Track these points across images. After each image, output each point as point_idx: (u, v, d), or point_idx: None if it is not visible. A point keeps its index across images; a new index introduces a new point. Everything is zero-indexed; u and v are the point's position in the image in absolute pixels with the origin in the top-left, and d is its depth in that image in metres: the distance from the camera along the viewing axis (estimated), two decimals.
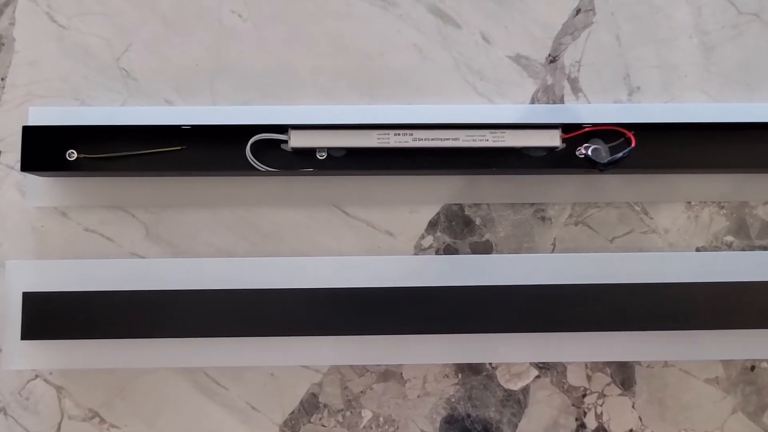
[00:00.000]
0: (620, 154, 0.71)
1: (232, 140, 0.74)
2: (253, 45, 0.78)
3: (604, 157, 0.74)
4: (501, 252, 0.77)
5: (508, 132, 0.74)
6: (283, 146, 0.74)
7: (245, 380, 0.75)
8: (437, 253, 0.77)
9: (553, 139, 0.73)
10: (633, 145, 0.72)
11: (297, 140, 0.73)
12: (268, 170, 0.74)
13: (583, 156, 0.74)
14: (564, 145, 0.74)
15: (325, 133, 0.74)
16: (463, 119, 0.75)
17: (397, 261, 0.76)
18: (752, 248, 0.77)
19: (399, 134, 0.73)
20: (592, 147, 0.73)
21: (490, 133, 0.74)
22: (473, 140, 0.73)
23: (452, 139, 0.73)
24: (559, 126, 0.74)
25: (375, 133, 0.73)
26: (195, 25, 0.78)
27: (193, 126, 0.74)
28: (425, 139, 0.73)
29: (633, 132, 0.73)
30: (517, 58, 0.79)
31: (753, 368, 0.76)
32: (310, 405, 0.75)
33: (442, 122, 0.73)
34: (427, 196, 0.78)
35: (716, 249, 0.77)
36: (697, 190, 0.78)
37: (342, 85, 0.78)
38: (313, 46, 0.78)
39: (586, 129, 0.74)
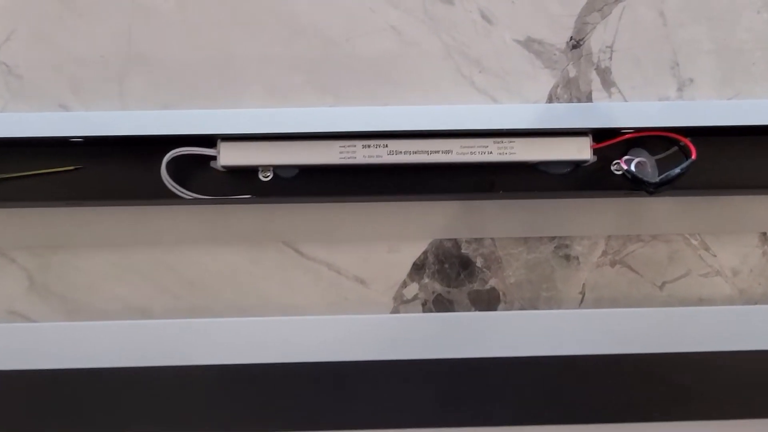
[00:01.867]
0: (677, 170, 0.51)
1: (146, 157, 0.56)
2: (177, 30, 0.59)
3: (650, 174, 0.54)
4: (511, 303, 0.57)
5: (518, 141, 0.54)
6: (212, 164, 0.54)
7: None
8: (424, 306, 0.57)
9: (580, 151, 0.54)
10: (694, 157, 0.52)
11: (229, 156, 0.54)
12: (192, 197, 0.54)
13: (621, 173, 0.54)
14: (595, 158, 0.54)
15: (268, 145, 0.54)
16: (457, 124, 0.55)
17: (370, 322, 0.56)
18: None
19: (369, 146, 0.54)
20: (636, 160, 0.53)
21: (495, 142, 0.54)
22: (471, 153, 0.54)
23: (443, 152, 0.54)
24: (589, 132, 0.54)
25: (337, 144, 0.54)
26: (99, 4, 0.58)
27: (89, 138, 0.54)
28: (405, 153, 0.54)
29: (691, 139, 0.53)
30: (529, 43, 0.59)
31: None
32: None
33: (428, 129, 0.53)
34: (411, 229, 0.58)
35: None
36: None
37: (296, 80, 0.59)
38: (258, 29, 0.59)
39: (627, 136, 0.54)
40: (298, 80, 0.59)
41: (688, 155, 0.52)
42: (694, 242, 0.58)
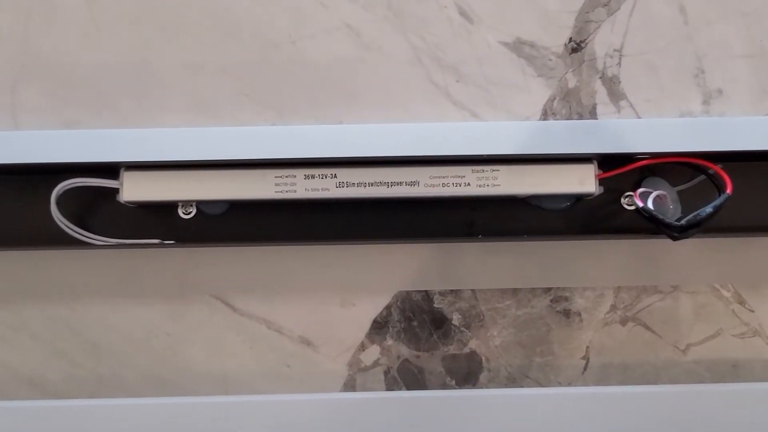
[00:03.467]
0: (710, 208, 0.40)
1: (36, 189, 0.44)
2: (85, 29, 0.48)
3: (674, 210, 0.42)
4: (496, 372, 0.46)
5: (503, 169, 0.43)
6: (119, 199, 0.43)
7: None
8: (387, 374, 0.46)
9: (582, 181, 0.43)
10: (729, 191, 0.40)
11: (135, 189, 0.43)
12: (91, 240, 0.43)
13: (635, 209, 0.42)
14: (601, 190, 0.43)
15: (185, 175, 0.43)
16: (427, 148, 0.43)
17: (318, 403, 0.44)
18: None
19: (314, 176, 0.42)
20: (655, 194, 0.42)
21: (473, 171, 0.43)
22: (444, 185, 0.43)
23: (407, 184, 0.43)
24: (594, 158, 0.42)
25: (272, 174, 0.42)
26: None
27: None
28: (359, 185, 0.43)
29: (720, 165, 0.42)
30: (518, 46, 0.48)
31: None
32: None
33: (389, 155, 0.42)
34: (370, 278, 0.48)
35: None
36: None
37: (229, 91, 0.47)
38: (184, 29, 0.48)
39: (641, 163, 0.43)
40: (230, 92, 0.48)
41: (720, 187, 0.41)
42: (726, 294, 0.47)
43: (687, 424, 0.43)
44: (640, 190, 0.42)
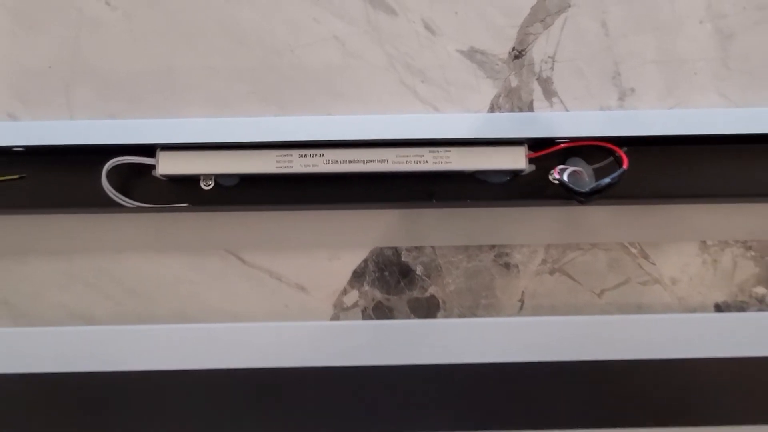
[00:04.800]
0: (607, 180, 0.51)
1: (88, 166, 0.56)
2: (123, 40, 0.59)
3: (586, 183, 0.54)
4: (450, 311, 0.57)
5: (455, 150, 0.54)
6: (154, 173, 0.55)
7: None
8: (364, 313, 0.57)
9: (516, 160, 0.54)
10: (625, 166, 0.52)
11: (168, 165, 0.54)
12: (134, 205, 0.55)
13: (557, 182, 0.54)
14: (533, 168, 0.55)
15: (206, 154, 0.55)
16: (398, 134, 0.55)
17: (309, 329, 0.56)
18: None
19: (306, 155, 0.54)
20: (570, 170, 0.53)
21: (430, 152, 0.54)
22: (407, 162, 0.54)
23: (378, 161, 0.54)
24: (525, 141, 0.54)
25: (273, 154, 0.54)
26: (48, 14, 0.59)
27: (30, 147, 0.54)
28: (341, 162, 0.54)
29: (625, 149, 0.54)
30: (471, 54, 0.59)
31: None
32: None
33: (364, 138, 0.54)
34: (352, 237, 0.58)
35: (743, 305, 0.57)
36: (714, 225, 0.58)
37: (240, 90, 0.59)
38: (203, 40, 0.59)
39: (562, 145, 0.55)
40: (242, 90, 0.59)
41: (620, 164, 0.53)
42: (634, 251, 0.58)
43: (599, 345, 0.54)
44: (560, 167, 0.54)
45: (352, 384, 0.54)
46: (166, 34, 0.60)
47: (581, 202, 0.52)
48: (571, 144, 0.55)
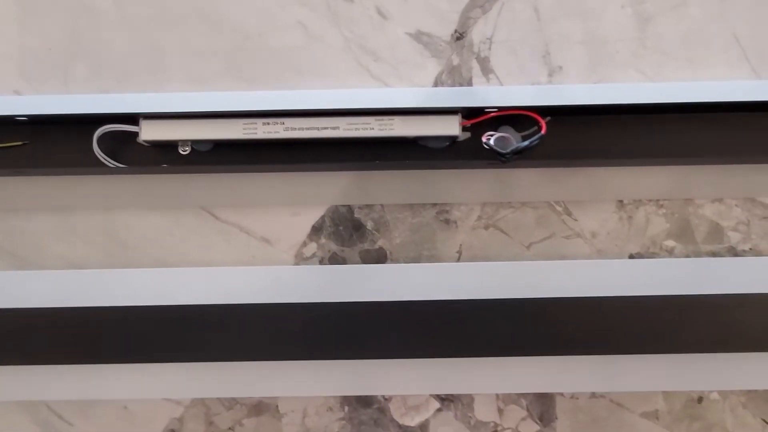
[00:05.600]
0: (526, 143, 0.59)
1: (82, 133, 0.64)
2: (115, 25, 0.68)
3: (514, 147, 0.62)
4: (396, 261, 0.65)
5: (397, 119, 0.62)
6: (138, 139, 0.63)
7: (95, 415, 0.64)
8: (321, 262, 0.65)
9: (451, 127, 0.62)
10: (543, 131, 0.60)
11: (149, 132, 0.63)
12: (120, 167, 0.63)
13: (488, 146, 0.62)
14: (468, 135, 0.62)
15: (183, 123, 0.63)
16: (350, 105, 0.63)
17: (268, 273, 0.64)
18: (698, 255, 0.64)
19: (268, 123, 0.62)
20: (497, 135, 0.61)
21: (376, 120, 0.62)
22: (356, 129, 0.62)
23: (331, 129, 0.62)
24: (459, 111, 0.62)
25: (240, 122, 0.62)
26: (50, 2, 0.68)
27: (32, 117, 0.63)
28: (299, 129, 0.62)
29: (548, 118, 0.61)
30: (418, 36, 0.67)
31: (701, 400, 0.63)
32: None
33: (317, 108, 0.62)
34: (312, 196, 0.66)
35: (654, 255, 0.64)
36: (630, 186, 0.66)
37: (216, 69, 0.67)
38: (184, 25, 0.68)
39: (491, 114, 0.63)
40: (218, 69, 0.68)
41: (539, 130, 0.60)
42: (559, 209, 0.66)
43: (526, 286, 0.62)
44: (489, 133, 0.62)
45: (309, 318, 0.62)
46: (153, 20, 0.68)
47: (503, 162, 0.59)
48: (499, 113, 0.62)
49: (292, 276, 0.64)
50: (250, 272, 0.64)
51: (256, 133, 0.62)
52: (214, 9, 0.68)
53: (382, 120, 0.62)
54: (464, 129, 0.63)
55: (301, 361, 0.63)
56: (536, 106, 0.62)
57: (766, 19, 0.66)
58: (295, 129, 0.62)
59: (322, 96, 0.65)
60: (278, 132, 0.62)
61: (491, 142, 0.60)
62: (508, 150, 0.59)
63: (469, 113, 0.63)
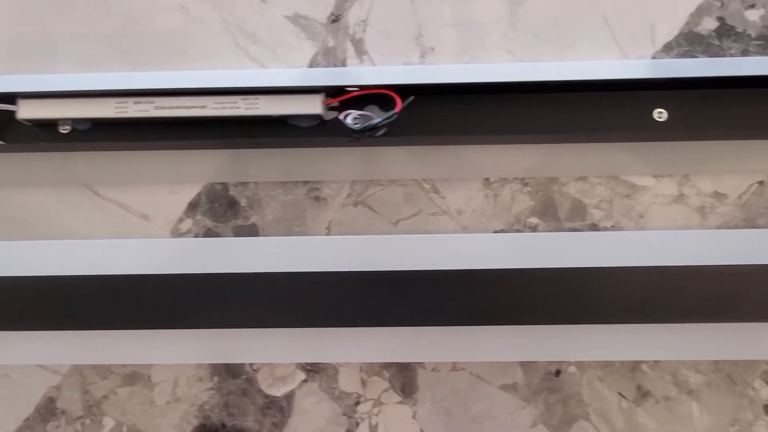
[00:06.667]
0: (377, 120, 0.61)
1: None
2: (6, 11, 0.70)
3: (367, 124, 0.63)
4: (268, 236, 0.67)
5: (262, 98, 0.64)
6: (17, 118, 0.66)
7: None
8: (196, 238, 0.67)
9: (314, 106, 0.64)
10: (397, 109, 0.62)
11: (26, 111, 0.65)
12: (4, 146, 0.66)
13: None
14: (336, 114, 0.64)
15: (58, 102, 0.65)
16: (227, 86, 0.65)
17: (150, 244, 0.67)
18: (561, 231, 0.66)
19: (140, 102, 0.65)
20: (355, 114, 0.63)
21: (242, 99, 0.64)
22: (223, 108, 0.64)
23: (199, 107, 0.64)
24: (322, 90, 0.64)
25: (113, 101, 0.65)
26: None
27: None
28: (169, 108, 0.64)
29: (411, 98, 0.63)
30: (296, 18, 0.69)
31: (558, 373, 0.64)
32: (47, 411, 0.66)
33: (185, 87, 0.64)
34: (189, 174, 0.69)
35: (518, 232, 0.66)
36: (496, 164, 0.67)
37: (102, 51, 0.70)
38: (71, 9, 0.70)
39: (353, 93, 0.64)
40: (104, 51, 0.70)
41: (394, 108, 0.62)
42: (427, 186, 0.67)
43: (393, 258, 0.64)
44: (347, 111, 0.64)
45: (175, 289, 0.64)
46: (40, 4, 0.71)
47: (353, 139, 0.61)
48: (361, 92, 0.64)
49: (167, 248, 0.66)
50: (128, 245, 0.67)
51: (127, 112, 0.65)
52: None
53: (248, 99, 0.64)
54: (331, 108, 0.65)
55: (174, 330, 0.65)
56: (396, 84, 0.63)
57: (634, 1, 0.67)
58: (165, 108, 0.65)
59: (198, 77, 0.67)
60: (148, 111, 0.65)
61: (347, 120, 0.62)
62: (359, 127, 0.61)
63: (336, 93, 0.65)
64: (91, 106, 0.65)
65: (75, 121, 0.67)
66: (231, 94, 0.64)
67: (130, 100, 0.65)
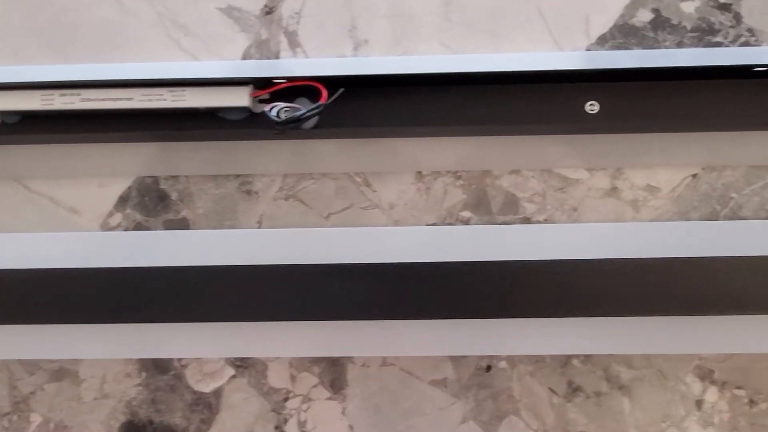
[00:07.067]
0: (301, 112, 0.60)
1: None
2: None
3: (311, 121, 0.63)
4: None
5: (189, 90, 0.63)
6: None
7: None
8: (126, 232, 0.67)
9: (241, 98, 0.63)
10: (322, 101, 0.61)
11: None
12: None
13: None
14: (263, 107, 0.63)
15: None
16: (140, 74, 0.65)
17: (79, 238, 0.66)
18: (494, 225, 0.65)
19: (65, 95, 0.64)
20: (280, 106, 0.62)
21: (169, 91, 0.63)
22: (150, 100, 0.63)
23: (125, 99, 0.63)
24: (250, 82, 0.63)
25: (39, 93, 0.64)
26: None
27: None
28: (95, 100, 0.64)
29: (342, 89, 0.62)
30: (229, 11, 0.69)
31: (489, 368, 0.63)
32: None
33: (111, 79, 0.63)
34: (119, 167, 0.68)
35: (451, 226, 0.65)
36: (428, 157, 0.66)
37: (34, 43, 0.69)
38: (3, 2, 0.69)
39: (281, 86, 0.64)
40: (34, 44, 0.70)
41: (319, 100, 0.61)
42: (358, 179, 0.67)
43: (323, 251, 0.63)
44: (274, 103, 0.63)
45: (115, 282, 0.63)
46: None
47: (280, 131, 0.61)
48: (288, 84, 0.63)
49: (96, 242, 0.66)
50: (56, 238, 0.66)
51: (53, 104, 0.64)
52: None
53: (175, 91, 0.63)
54: (262, 101, 0.64)
55: (103, 325, 0.64)
56: (324, 76, 0.62)
57: None
58: (91, 100, 0.64)
59: (128, 69, 0.67)
60: (74, 103, 0.64)
61: (271, 112, 0.61)
62: (284, 119, 0.60)
63: (265, 85, 0.64)
64: (17, 99, 0.64)
65: (3, 114, 0.66)
66: (157, 86, 0.63)
67: (56, 92, 0.64)
